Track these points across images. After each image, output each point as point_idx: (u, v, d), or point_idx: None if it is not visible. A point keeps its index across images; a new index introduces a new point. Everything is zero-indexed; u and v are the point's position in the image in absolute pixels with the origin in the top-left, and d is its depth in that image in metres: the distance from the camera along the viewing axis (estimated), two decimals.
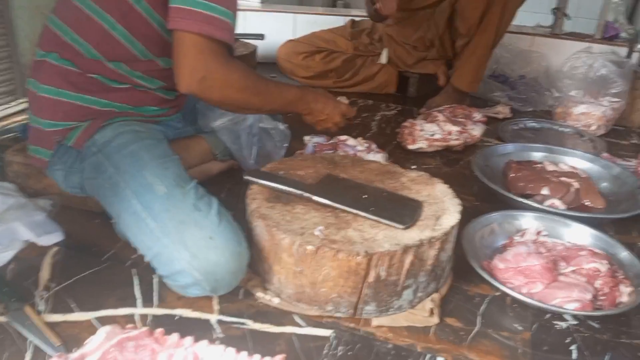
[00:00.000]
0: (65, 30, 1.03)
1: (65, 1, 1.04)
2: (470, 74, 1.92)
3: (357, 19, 2.40)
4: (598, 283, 1.01)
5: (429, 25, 2.07)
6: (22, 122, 1.56)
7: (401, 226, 0.93)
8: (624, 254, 1.09)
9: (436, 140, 1.64)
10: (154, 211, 0.91)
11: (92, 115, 1.05)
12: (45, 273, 0.99)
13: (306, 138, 1.47)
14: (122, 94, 1.07)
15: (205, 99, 1.03)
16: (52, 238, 1.06)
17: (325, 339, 0.89)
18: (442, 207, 1.02)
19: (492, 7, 1.80)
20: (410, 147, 1.63)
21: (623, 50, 2.22)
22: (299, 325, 0.92)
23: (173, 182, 0.95)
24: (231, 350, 0.71)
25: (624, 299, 1.00)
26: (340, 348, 0.87)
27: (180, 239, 0.88)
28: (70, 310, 0.90)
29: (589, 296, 0.96)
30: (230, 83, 1.02)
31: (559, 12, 2.35)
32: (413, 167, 1.54)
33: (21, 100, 1.77)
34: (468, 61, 1.91)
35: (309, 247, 0.88)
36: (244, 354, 0.71)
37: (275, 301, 0.96)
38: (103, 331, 0.75)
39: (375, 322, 0.93)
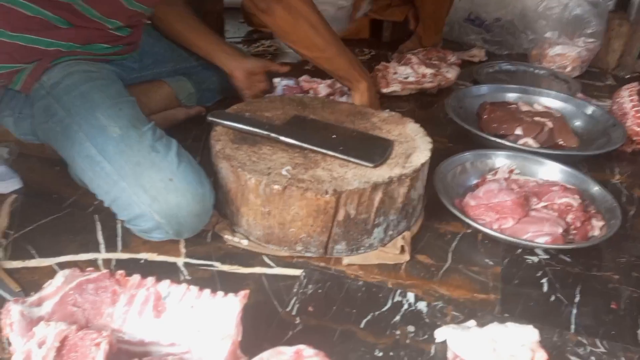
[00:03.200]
0: None
1: None
2: (432, 30, 1.90)
3: None
4: (570, 218, 1.01)
5: None
6: None
7: (370, 164, 0.91)
8: (595, 188, 1.09)
9: (410, 83, 1.60)
10: (109, 154, 0.87)
11: (38, 56, 0.98)
12: (3, 220, 0.95)
13: (275, 80, 1.42)
14: (69, 32, 1.00)
15: (276, 22, 1.10)
16: (9, 185, 1.02)
17: (295, 278, 0.88)
18: (413, 146, 1.00)
19: None
20: (384, 90, 1.59)
21: None
22: (269, 266, 0.90)
23: (128, 123, 0.90)
24: (194, 288, 0.69)
25: (596, 232, 1.00)
26: (310, 286, 0.86)
27: (138, 181, 0.85)
28: (30, 257, 0.87)
29: (560, 230, 0.96)
30: (304, 11, 1.09)
31: None
32: (387, 110, 1.51)
33: None
34: (428, 17, 1.90)
35: (276, 187, 0.85)
36: (207, 291, 0.69)
37: (244, 243, 0.94)
38: (62, 274, 0.72)
39: (346, 260, 0.92)
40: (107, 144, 0.88)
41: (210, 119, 1.00)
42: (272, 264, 0.91)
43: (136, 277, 0.72)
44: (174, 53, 1.29)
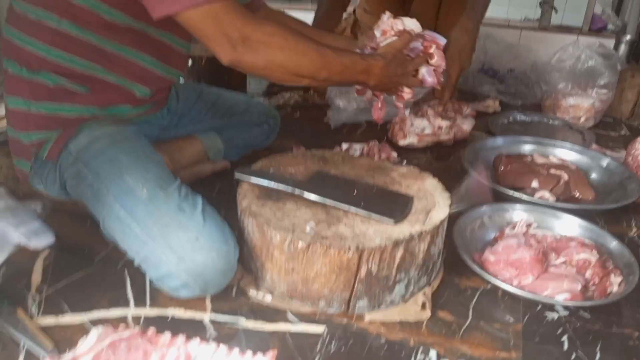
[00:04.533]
0: (19, 36, 1.01)
1: (11, 9, 1.03)
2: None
3: (345, 15, 2.39)
4: (588, 273, 1.02)
5: None
6: None
7: (391, 220, 0.94)
8: (613, 244, 1.10)
9: (426, 135, 1.64)
10: (138, 215, 0.91)
11: (61, 124, 1.03)
12: (37, 276, 0.98)
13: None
14: (88, 97, 1.05)
15: (250, 65, 0.93)
16: (43, 241, 1.05)
17: (318, 335, 0.89)
18: (432, 201, 1.02)
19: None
20: (401, 142, 1.63)
21: (610, 42, 2.23)
22: (292, 322, 0.92)
23: (155, 184, 0.94)
24: (223, 347, 0.72)
25: (614, 288, 1.01)
26: (333, 344, 0.88)
27: (166, 242, 0.88)
28: (63, 313, 0.90)
29: (579, 287, 0.97)
30: (267, 39, 0.91)
31: (546, 5, 2.36)
32: (404, 162, 1.54)
33: None
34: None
35: (300, 244, 0.88)
36: (236, 350, 0.71)
37: (268, 299, 0.96)
38: (95, 332, 0.75)
39: (368, 317, 0.94)
40: (135, 206, 0.91)
41: (237, 176, 1.04)
42: (295, 320, 0.92)
43: (167, 336, 0.74)
44: (210, 110, 1.35)
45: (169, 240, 0.88)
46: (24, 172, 1.09)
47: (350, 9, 2.20)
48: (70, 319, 0.89)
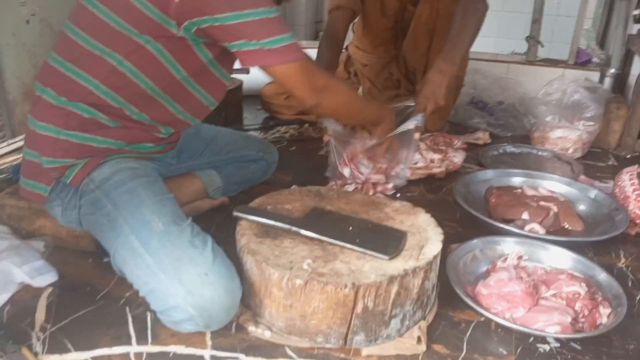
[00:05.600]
0: (68, 66, 1.04)
1: (64, 38, 1.06)
2: (437, 117, 1.98)
3: None
4: (578, 306, 1.05)
5: (392, 65, 2.13)
6: (13, 163, 1.58)
7: (386, 257, 0.97)
8: (602, 275, 1.13)
9: (419, 168, 1.69)
10: (151, 247, 0.94)
11: (90, 153, 1.07)
12: (40, 314, 1.01)
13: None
14: (119, 132, 1.10)
15: (329, 105, 1.21)
16: (46, 279, 1.08)
17: None
18: (425, 237, 1.05)
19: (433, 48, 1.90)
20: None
21: (595, 75, 2.30)
22: (291, 357, 0.94)
23: (170, 219, 0.98)
24: None
25: (604, 320, 1.04)
26: None
27: (177, 275, 0.91)
28: (67, 351, 0.92)
29: (569, 319, 1.00)
30: (337, 87, 1.23)
31: (532, 40, 2.43)
32: (397, 195, 1.58)
33: (11, 141, 1.78)
34: None
35: (298, 281, 0.91)
36: None
37: (267, 334, 0.98)
38: None
39: (365, 351, 0.96)
40: (150, 238, 0.95)
41: (236, 213, 1.07)
42: (294, 355, 0.95)
43: None
44: (208, 147, 1.40)
45: (180, 273, 0.91)
46: (41, 195, 1.10)
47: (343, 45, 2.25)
48: (74, 357, 0.91)
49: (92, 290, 1.08)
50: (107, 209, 1.01)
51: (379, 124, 1.42)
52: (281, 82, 1.10)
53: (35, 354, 0.90)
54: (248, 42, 0.99)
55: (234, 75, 2.39)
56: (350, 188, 1.51)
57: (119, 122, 1.09)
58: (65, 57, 1.05)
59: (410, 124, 1.51)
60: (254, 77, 2.41)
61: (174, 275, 0.91)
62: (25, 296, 1.05)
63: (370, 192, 1.49)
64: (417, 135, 1.53)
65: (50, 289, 1.07)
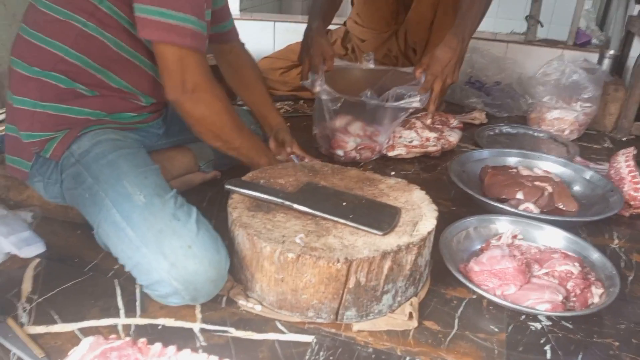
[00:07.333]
0: (36, 35, 1.02)
1: (31, 9, 1.05)
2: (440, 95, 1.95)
3: (332, 27, 2.42)
4: (570, 285, 1.05)
5: (391, 42, 2.10)
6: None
7: (379, 232, 0.96)
8: (595, 255, 1.13)
9: (414, 146, 1.67)
10: (133, 221, 0.92)
11: (67, 125, 1.05)
12: (27, 285, 0.99)
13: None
14: (97, 101, 1.07)
15: (186, 111, 1.05)
16: (33, 250, 1.06)
17: (307, 344, 0.91)
18: (420, 213, 1.04)
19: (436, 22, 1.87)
20: (389, 153, 1.66)
21: (594, 57, 2.28)
22: (282, 332, 0.93)
23: (152, 192, 0.95)
24: (214, 358, 0.73)
25: (595, 300, 1.04)
26: (322, 353, 0.89)
27: (159, 248, 0.89)
28: (53, 322, 0.91)
29: (560, 297, 1.00)
30: (211, 100, 1.06)
31: (532, 19, 2.40)
32: (392, 173, 1.57)
33: (1, 111, 1.75)
34: None
35: (290, 255, 0.90)
36: None
37: (258, 308, 0.97)
38: (86, 342, 0.76)
39: (356, 326, 0.95)
40: (132, 212, 0.93)
41: (228, 186, 1.05)
42: (284, 329, 0.94)
43: (158, 346, 0.75)
44: None
45: (162, 246, 0.89)
46: (22, 171, 1.09)
47: (341, 20, 2.22)
48: (60, 328, 0.89)
49: (81, 262, 1.07)
50: (88, 183, 0.99)
51: (251, 165, 1.22)
52: (157, 58, 1.01)
53: (21, 325, 0.89)
54: (147, 8, 0.94)
55: None
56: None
57: (97, 91, 1.06)
58: (33, 27, 1.03)
59: (414, 102, 1.49)
60: (250, 52, 2.40)
61: (156, 248, 0.89)
62: (12, 267, 1.03)
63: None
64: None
65: (37, 260, 1.06)
